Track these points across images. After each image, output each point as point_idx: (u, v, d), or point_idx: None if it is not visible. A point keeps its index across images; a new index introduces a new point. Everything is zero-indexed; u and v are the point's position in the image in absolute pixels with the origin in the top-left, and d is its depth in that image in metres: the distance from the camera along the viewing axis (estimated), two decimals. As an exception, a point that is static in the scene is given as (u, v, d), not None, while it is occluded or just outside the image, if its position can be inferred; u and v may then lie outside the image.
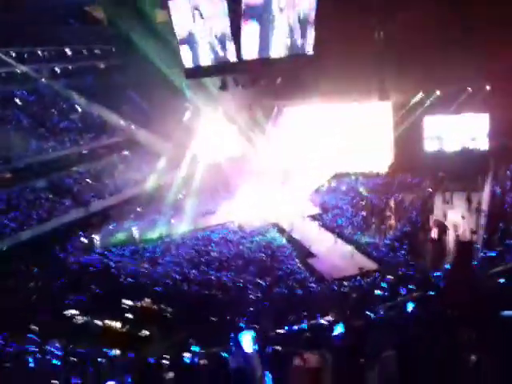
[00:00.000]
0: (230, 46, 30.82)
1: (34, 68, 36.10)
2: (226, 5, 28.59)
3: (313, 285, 18.26)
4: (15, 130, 31.77)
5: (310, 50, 30.13)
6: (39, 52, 37.90)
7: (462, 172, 27.01)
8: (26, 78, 35.71)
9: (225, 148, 37.33)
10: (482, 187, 26.19)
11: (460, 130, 29.84)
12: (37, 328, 16.63)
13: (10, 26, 34.67)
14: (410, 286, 15.79)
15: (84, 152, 34.86)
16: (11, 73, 35.15)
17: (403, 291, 15.39)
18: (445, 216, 23.92)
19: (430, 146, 31.01)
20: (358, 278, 18.23)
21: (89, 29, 41.44)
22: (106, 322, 17.11)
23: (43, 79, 36.90)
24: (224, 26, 30.40)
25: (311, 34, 28.96)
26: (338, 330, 7.46)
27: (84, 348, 14.75)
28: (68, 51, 40.09)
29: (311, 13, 27.08)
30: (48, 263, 22.84)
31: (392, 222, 23.89)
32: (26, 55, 36.13)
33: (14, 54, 34.65)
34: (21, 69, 35.17)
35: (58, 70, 38.93)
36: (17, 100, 34.97)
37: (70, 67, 39.95)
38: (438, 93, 30.39)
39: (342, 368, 5.18)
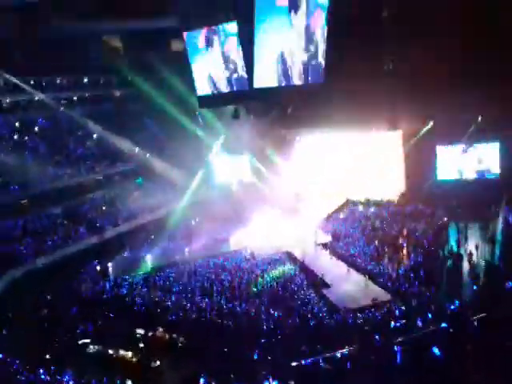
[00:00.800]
0: (243, 74, 31.38)
1: (52, 96, 36.97)
2: (237, 34, 28.91)
3: (326, 316, 18.12)
4: (32, 156, 32.44)
5: (321, 78, 30.49)
6: (58, 80, 39.00)
7: (475, 201, 26.90)
8: (43, 106, 36.55)
9: (237, 175, 37.69)
10: (495, 216, 26.01)
11: (472, 159, 29.82)
12: (49, 357, 16.77)
13: (30, 54, 35.87)
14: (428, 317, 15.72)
15: (99, 178, 35.38)
16: (30, 100, 36.07)
17: (419, 323, 15.35)
18: (458, 245, 23.77)
19: (441, 174, 31.00)
20: (372, 309, 18.07)
21: (106, 58, 42.57)
22: (119, 351, 17.14)
23: (61, 107, 37.78)
24: (237, 54, 31.01)
25: (322, 62, 29.38)
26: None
27: (97, 378, 14.84)
28: (85, 79, 41.22)
29: (323, 41, 27.27)
30: (62, 290, 23.02)
31: (405, 251, 23.74)
32: (44, 83, 37.13)
33: (32, 83, 35.63)
34: (39, 96, 36.05)
35: (75, 98, 39.95)
36: (35, 127, 35.82)
37: (86, 95, 41.00)
38: (448, 121, 30.48)
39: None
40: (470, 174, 30.02)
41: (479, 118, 29.06)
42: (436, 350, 8.47)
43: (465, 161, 30.00)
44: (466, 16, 26.14)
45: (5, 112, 34.54)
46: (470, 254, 21.96)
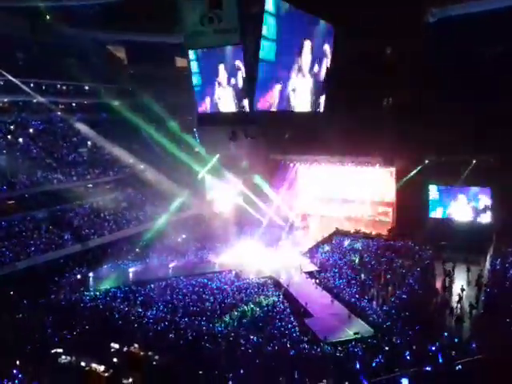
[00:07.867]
0: (245, 96, 31.56)
1: (51, 100, 36.89)
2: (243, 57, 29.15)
3: (306, 346, 17.77)
4: (23, 158, 32.05)
5: (320, 108, 30.75)
6: (58, 85, 38.97)
7: (465, 243, 26.98)
8: (40, 109, 36.39)
9: (230, 197, 37.54)
10: (483, 260, 26.07)
11: (463, 202, 30.14)
12: (19, 363, 16.25)
13: (34, 58, 35.92)
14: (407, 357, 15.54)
15: (89, 186, 34.91)
16: (28, 102, 35.89)
17: (399, 362, 15.16)
18: (444, 287, 23.68)
19: (433, 213, 31.26)
20: (353, 343, 17.77)
21: (109, 67, 42.65)
22: (91, 364, 16.63)
23: (58, 112, 37.63)
24: (240, 76, 31.19)
25: (323, 92, 29.70)
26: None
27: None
28: (86, 87, 41.19)
29: (324, 72, 27.67)
30: (40, 297, 22.44)
31: (390, 288, 23.55)
32: (44, 87, 37.04)
33: (32, 85, 35.48)
34: (38, 99, 35.88)
35: (74, 104, 39.87)
36: (30, 129, 35.51)
37: (85, 102, 40.96)
38: (443, 161, 30.80)
39: None
40: (463, 217, 30.33)
41: (473, 162, 29.54)
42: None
43: (459, 203, 30.31)
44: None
45: (1, 112, 34.30)
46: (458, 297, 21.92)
